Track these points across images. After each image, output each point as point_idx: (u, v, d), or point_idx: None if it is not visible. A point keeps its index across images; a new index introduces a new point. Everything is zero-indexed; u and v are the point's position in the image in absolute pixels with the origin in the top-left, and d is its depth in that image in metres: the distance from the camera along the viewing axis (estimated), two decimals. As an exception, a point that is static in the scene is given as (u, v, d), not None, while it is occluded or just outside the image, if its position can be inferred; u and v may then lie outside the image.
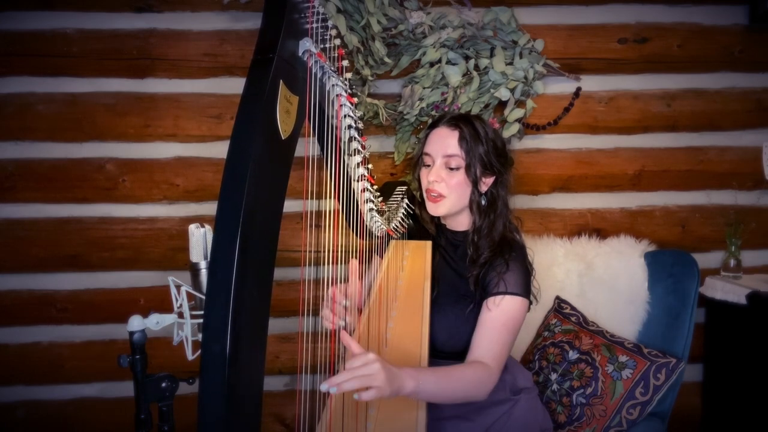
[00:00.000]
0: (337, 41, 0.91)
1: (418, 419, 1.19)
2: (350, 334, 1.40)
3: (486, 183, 1.59)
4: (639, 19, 2.38)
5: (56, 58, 2.26)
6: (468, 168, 1.54)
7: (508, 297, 1.48)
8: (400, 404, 1.25)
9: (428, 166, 1.60)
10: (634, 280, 2.05)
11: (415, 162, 1.69)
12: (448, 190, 1.57)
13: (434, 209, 1.61)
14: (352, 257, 1.44)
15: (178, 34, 2.30)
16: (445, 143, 1.56)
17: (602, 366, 1.84)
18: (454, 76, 2.21)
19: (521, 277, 1.52)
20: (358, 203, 1.37)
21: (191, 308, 0.97)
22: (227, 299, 0.67)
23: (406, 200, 1.71)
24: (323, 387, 1.03)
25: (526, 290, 1.52)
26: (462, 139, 1.54)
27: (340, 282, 1.34)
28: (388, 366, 1.13)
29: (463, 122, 1.57)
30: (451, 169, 1.56)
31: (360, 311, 1.56)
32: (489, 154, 1.55)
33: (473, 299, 1.54)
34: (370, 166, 1.34)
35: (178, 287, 0.97)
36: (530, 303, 1.54)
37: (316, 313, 1.40)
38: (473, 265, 1.56)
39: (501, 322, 1.46)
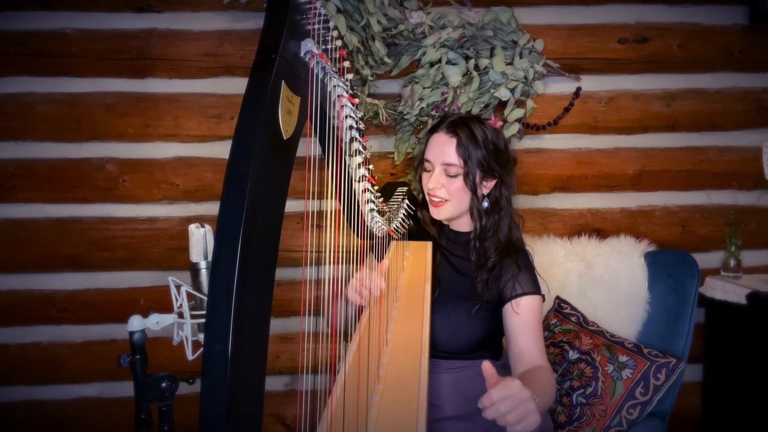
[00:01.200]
0: (339, 42, 0.91)
1: (419, 420, 1.19)
2: (352, 331, 1.41)
3: (487, 186, 1.60)
4: (639, 19, 2.38)
5: (56, 58, 2.26)
6: (466, 176, 1.55)
7: (529, 297, 1.53)
8: (400, 404, 1.25)
9: (429, 171, 1.61)
10: (634, 280, 2.05)
11: (417, 165, 1.71)
12: (449, 196, 1.58)
13: (436, 213, 1.62)
14: (372, 255, 1.46)
15: (178, 34, 2.30)
16: (443, 151, 1.57)
17: (602, 366, 1.84)
18: (454, 76, 2.21)
19: (533, 278, 1.57)
20: (359, 203, 1.37)
21: (191, 308, 0.97)
22: (229, 299, 0.67)
23: (406, 201, 1.72)
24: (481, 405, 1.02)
25: (539, 287, 1.57)
26: (460, 147, 1.54)
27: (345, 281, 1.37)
28: (530, 393, 1.07)
29: (461, 128, 1.56)
30: (451, 176, 1.56)
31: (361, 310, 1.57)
32: (488, 159, 1.56)
33: (479, 301, 1.55)
34: (371, 166, 1.34)
35: (178, 287, 0.97)
36: (544, 299, 1.59)
37: (317, 313, 1.40)
38: (481, 270, 1.57)
39: (532, 322, 1.51)
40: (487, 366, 1.06)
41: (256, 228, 0.71)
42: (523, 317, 1.51)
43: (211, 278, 0.69)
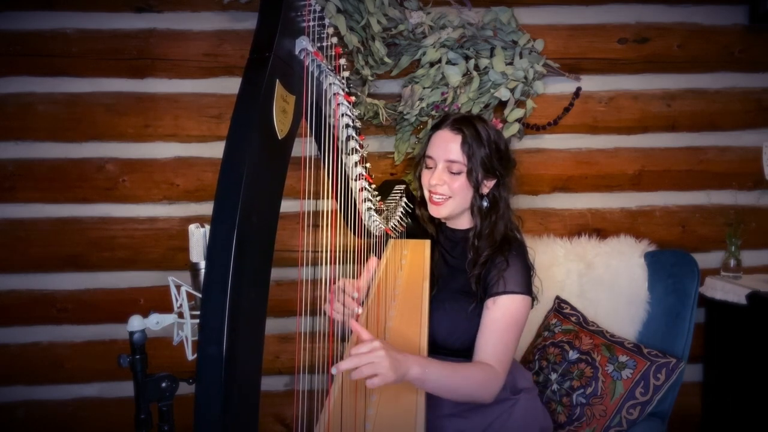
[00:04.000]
0: (334, 40, 0.91)
1: (417, 418, 1.19)
2: (349, 335, 1.42)
3: (487, 185, 1.60)
4: (639, 19, 2.37)
5: (56, 58, 2.26)
6: (470, 173, 1.55)
7: (509, 296, 1.50)
8: (399, 403, 1.25)
9: (430, 168, 1.61)
10: (634, 280, 2.05)
11: (417, 162, 1.70)
12: (451, 193, 1.57)
13: (436, 211, 1.62)
14: (372, 255, 1.47)
15: (178, 34, 2.30)
16: (447, 148, 1.57)
17: (602, 366, 1.84)
18: (454, 76, 2.21)
19: (521, 275, 1.54)
20: (356, 202, 1.37)
21: (191, 308, 0.97)
22: (224, 300, 0.67)
23: (404, 199, 1.71)
24: (333, 370, 1.10)
25: (527, 287, 1.53)
26: (464, 144, 1.54)
27: (346, 278, 1.37)
28: (394, 353, 1.20)
29: (466, 126, 1.56)
30: (453, 173, 1.56)
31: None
32: (491, 158, 1.56)
33: (475, 297, 1.55)
34: (368, 165, 1.34)
35: (178, 287, 0.97)
36: (533, 300, 1.56)
37: (314, 312, 1.41)
38: (474, 266, 1.57)
39: (503, 323, 1.48)
40: (353, 324, 1.21)
41: (252, 228, 0.71)
42: (494, 316, 1.49)
43: (205, 280, 0.69)
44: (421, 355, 1.34)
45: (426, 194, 1.64)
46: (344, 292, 1.41)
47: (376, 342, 1.17)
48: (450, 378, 1.34)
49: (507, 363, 1.47)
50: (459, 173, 1.56)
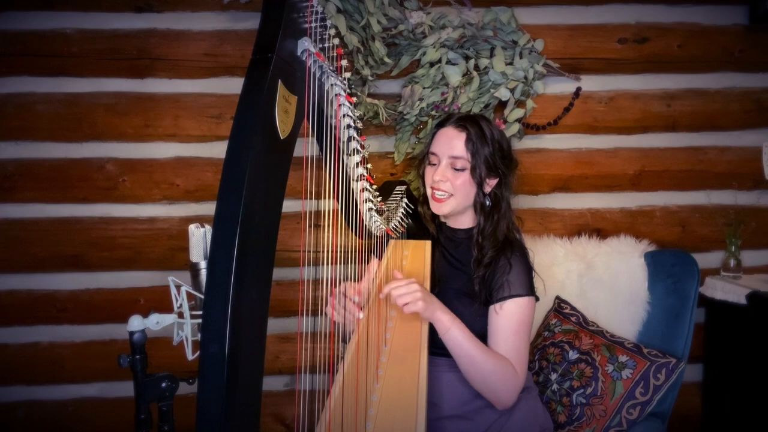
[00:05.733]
0: (336, 41, 0.91)
1: (418, 419, 1.19)
2: (350, 336, 1.42)
3: (490, 184, 1.61)
4: (639, 19, 2.37)
5: (56, 58, 2.26)
6: (473, 170, 1.56)
7: (514, 300, 1.52)
8: (399, 404, 1.25)
9: (434, 165, 1.62)
10: (634, 280, 2.05)
11: (420, 159, 1.71)
12: (453, 190, 1.58)
13: (438, 208, 1.62)
14: (373, 255, 1.49)
15: (178, 34, 2.30)
16: (451, 144, 1.58)
17: (602, 366, 1.84)
18: (454, 76, 2.21)
19: (524, 277, 1.56)
20: (357, 203, 1.38)
21: (191, 308, 0.97)
22: (226, 300, 0.67)
23: (405, 200, 1.72)
24: (381, 295, 1.38)
25: (530, 288, 1.56)
26: (468, 141, 1.56)
27: (347, 281, 1.38)
28: (429, 293, 1.43)
29: (471, 123, 1.58)
30: (457, 169, 1.57)
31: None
32: (494, 156, 1.58)
33: (478, 298, 1.55)
34: (369, 165, 1.34)
35: (178, 287, 0.97)
36: (537, 299, 1.58)
37: (315, 313, 1.41)
38: (478, 266, 1.58)
39: (512, 328, 1.50)
40: (395, 273, 1.45)
41: (253, 228, 0.71)
42: (502, 322, 1.51)
43: (207, 279, 0.69)
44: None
45: (428, 191, 1.65)
46: (345, 295, 1.41)
47: (413, 279, 1.39)
48: (472, 346, 1.43)
49: (524, 364, 1.50)
50: (462, 170, 1.57)
